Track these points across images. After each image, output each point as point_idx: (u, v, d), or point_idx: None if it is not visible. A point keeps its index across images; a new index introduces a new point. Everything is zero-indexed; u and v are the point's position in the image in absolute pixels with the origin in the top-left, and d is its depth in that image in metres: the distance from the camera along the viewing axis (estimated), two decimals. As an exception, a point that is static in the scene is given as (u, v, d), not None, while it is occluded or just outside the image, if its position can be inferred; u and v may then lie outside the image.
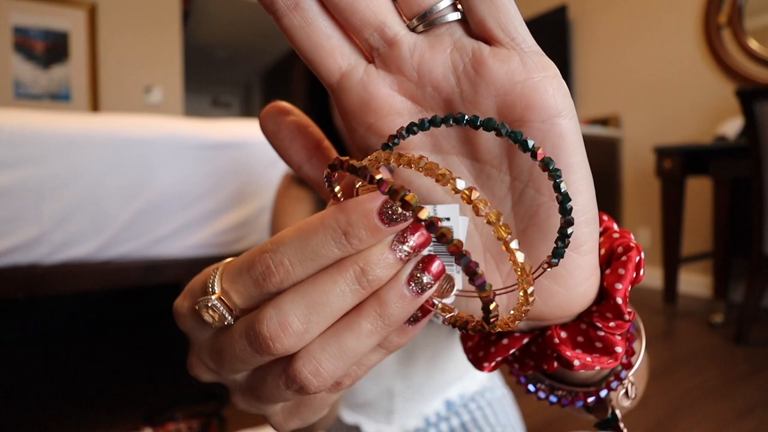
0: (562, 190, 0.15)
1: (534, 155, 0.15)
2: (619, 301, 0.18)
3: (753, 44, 2.42)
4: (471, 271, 0.14)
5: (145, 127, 1.22)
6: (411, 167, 0.15)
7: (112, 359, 1.84)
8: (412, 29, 0.17)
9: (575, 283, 0.18)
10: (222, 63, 5.85)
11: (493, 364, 0.21)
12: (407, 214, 0.15)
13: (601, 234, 0.21)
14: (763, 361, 1.68)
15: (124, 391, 1.52)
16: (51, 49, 3.06)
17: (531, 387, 0.24)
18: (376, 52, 0.17)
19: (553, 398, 0.24)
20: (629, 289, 0.19)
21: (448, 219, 0.17)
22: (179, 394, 1.43)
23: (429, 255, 0.16)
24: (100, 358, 1.85)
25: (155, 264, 1.22)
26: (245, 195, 1.34)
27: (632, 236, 0.20)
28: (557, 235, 0.16)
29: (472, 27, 0.16)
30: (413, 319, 0.17)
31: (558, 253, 0.16)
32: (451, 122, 0.16)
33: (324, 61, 0.17)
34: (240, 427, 1.18)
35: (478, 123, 0.15)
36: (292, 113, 0.22)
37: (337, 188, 0.18)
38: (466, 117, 0.15)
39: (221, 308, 0.17)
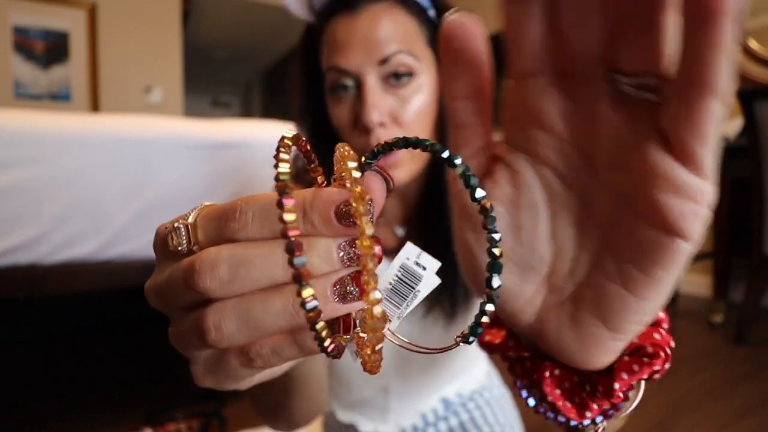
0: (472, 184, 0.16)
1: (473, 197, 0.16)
2: (617, 386, 0.19)
3: (753, 44, 2.42)
4: (297, 276, 0.14)
5: (145, 127, 1.22)
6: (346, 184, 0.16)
7: (112, 359, 1.84)
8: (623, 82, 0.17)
9: (595, 355, 0.19)
10: (222, 63, 5.85)
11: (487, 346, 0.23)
12: (355, 220, 0.15)
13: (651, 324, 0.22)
14: (763, 361, 1.68)
15: (124, 391, 1.52)
16: (51, 49, 3.06)
17: (524, 392, 0.25)
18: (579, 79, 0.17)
19: (541, 408, 0.25)
20: (633, 383, 0.20)
21: (424, 268, 0.18)
22: (179, 394, 1.43)
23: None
24: (100, 359, 1.85)
25: (155, 264, 1.22)
26: (245, 195, 1.34)
27: (671, 343, 0.21)
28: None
29: (670, 135, 0.16)
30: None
31: (474, 332, 0.17)
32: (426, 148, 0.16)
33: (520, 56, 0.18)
34: (240, 427, 1.17)
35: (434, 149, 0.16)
36: (479, 40, 0.19)
37: (320, 178, 0.19)
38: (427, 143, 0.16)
39: (183, 235, 0.18)
